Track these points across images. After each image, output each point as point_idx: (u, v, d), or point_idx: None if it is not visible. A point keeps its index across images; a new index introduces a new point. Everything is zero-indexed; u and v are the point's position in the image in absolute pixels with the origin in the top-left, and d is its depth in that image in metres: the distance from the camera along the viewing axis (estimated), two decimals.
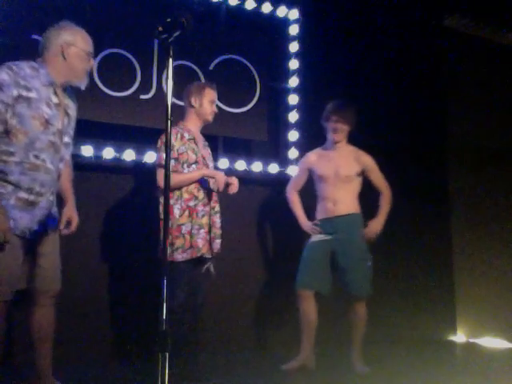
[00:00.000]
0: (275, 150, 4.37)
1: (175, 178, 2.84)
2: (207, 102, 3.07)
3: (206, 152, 3.14)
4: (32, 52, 3.51)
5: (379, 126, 4.58)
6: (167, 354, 1.70)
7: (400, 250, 4.51)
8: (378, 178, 3.55)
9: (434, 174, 4.93)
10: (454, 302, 4.92)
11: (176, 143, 2.94)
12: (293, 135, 4.33)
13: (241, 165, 4.11)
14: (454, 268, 4.98)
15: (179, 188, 2.92)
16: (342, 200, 3.46)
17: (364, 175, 3.55)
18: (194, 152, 3.00)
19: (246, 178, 4.11)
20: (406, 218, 4.54)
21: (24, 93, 2.28)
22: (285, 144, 4.34)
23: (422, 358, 3.85)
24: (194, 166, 2.96)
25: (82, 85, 2.51)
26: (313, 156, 3.64)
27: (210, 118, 3.11)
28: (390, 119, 4.64)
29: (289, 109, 4.36)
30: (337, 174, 3.48)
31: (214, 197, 3.06)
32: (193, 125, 3.09)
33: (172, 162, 2.90)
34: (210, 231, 2.98)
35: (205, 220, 2.97)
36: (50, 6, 3.65)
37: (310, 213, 3.62)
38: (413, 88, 4.90)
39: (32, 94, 2.31)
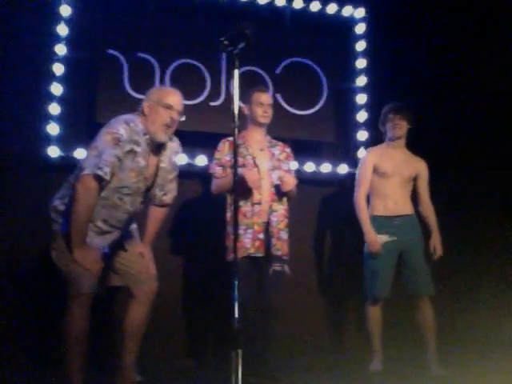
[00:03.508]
0: (344, 150, 4.35)
1: (215, 183, 3.14)
2: (256, 106, 3.18)
3: (265, 154, 3.19)
4: (107, 67, 3.78)
5: (448, 128, 4.42)
6: (240, 351, 1.77)
7: (478, 245, 4.34)
8: (425, 189, 3.54)
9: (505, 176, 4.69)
10: None
11: (224, 151, 3.15)
12: (362, 135, 4.30)
13: (310, 166, 4.13)
14: None
15: (225, 192, 3.11)
16: (403, 200, 3.47)
17: (414, 181, 3.54)
18: (242, 156, 3.12)
19: (315, 180, 4.15)
20: (476, 221, 4.36)
21: (134, 147, 2.46)
22: (354, 144, 4.32)
23: (503, 361, 3.69)
24: (239, 169, 3.02)
25: (162, 140, 2.57)
26: (375, 152, 3.57)
27: (262, 120, 3.19)
28: (460, 120, 4.46)
29: (357, 108, 4.34)
30: (401, 173, 3.46)
31: (270, 196, 3.10)
32: (248, 130, 3.23)
33: (219, 169, 3.14)
34: (265, 231, 3.04)
35: (255, 219, 3.03)
36: (126, 22, 3.87)
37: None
38: (484, 87, 4.68)
39: (138, 149, 2.47)
